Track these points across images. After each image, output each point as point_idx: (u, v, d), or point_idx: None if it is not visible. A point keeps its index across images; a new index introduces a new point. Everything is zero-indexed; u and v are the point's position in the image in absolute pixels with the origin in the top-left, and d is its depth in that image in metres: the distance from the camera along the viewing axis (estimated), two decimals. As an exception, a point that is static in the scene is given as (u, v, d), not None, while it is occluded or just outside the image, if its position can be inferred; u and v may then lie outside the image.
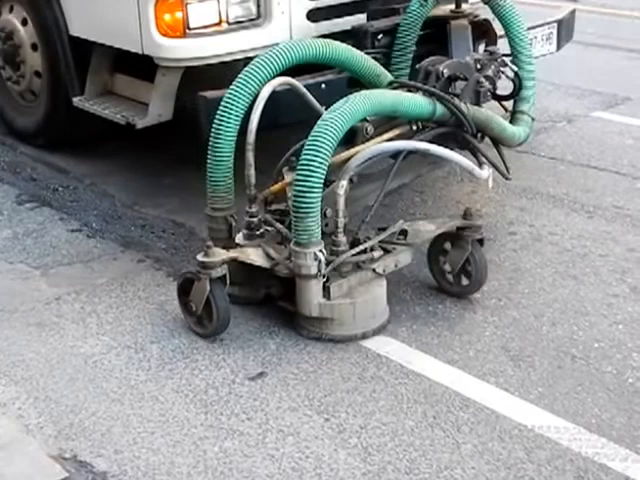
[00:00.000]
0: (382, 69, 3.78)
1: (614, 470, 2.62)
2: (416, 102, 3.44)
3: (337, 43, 3.60)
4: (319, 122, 3.14)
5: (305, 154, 3.11)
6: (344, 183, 3.21)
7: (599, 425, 2.82)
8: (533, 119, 4.09)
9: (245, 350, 3.23)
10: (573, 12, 5.06)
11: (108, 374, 3.10)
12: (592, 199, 4.44)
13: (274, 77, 3.39)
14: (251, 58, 3.83)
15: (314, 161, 3.08)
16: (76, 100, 4.48)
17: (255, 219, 3.45)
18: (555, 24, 4.79)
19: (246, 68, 3.39)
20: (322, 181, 3.11)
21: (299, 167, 3.12)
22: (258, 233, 3.45)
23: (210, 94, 3.62)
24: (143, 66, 4.11)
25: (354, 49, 3.68)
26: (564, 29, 4.87)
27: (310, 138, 3.12)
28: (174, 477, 2.61)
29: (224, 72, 3.88)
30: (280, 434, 2.79)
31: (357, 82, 3.83)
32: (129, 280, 3.72)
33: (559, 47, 4.88)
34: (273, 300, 3.43)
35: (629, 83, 6.25)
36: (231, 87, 3.37)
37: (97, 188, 4.59)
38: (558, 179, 4.69)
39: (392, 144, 3.42)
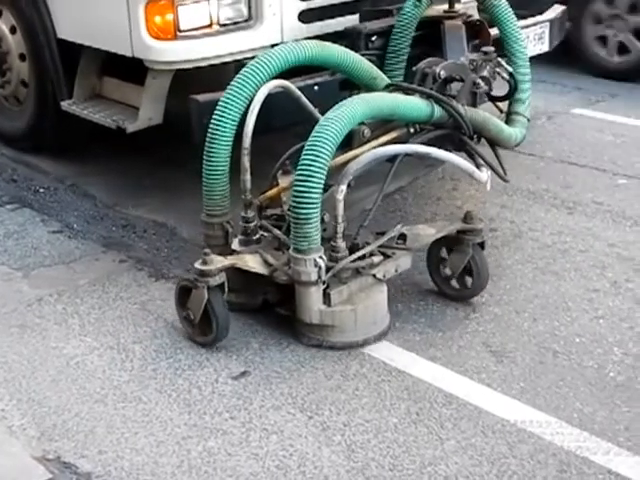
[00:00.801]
0: (378, 71, 3.73)
1: (596, 463, 2.64)
2: (414, 105, 3.40)
3: (333, 45, 3.56)
4: (317, 126, 3.08)
5: (304, 159, 3.05)
6: (343, 188, 3.14)
7: (581, 419, 2.84)
8: (529, 120, 4.04)
9: (228, 349, 3.23)
10: (564, 11, 5.03)
11: (91, 375, 3.09)
12: (572, 195, 4.47)
13: (270, 80, 3.34)
14: (242, 60, 3.82)
15: (313, 166, 3.02)
16: (65, 104, 4.41)
17: (251, 225, 3.40)
18: (547, 23, 4.77)
19: (241, 71, 3.34)
20: (322, 186, 3.06)
21: (298, 172, 3.06)
22: (254, 239, 3.40)
23: (202, 97, 3.57)
24: (132, 69, 4.05)
25: (350, 51, 3.64)
26: (556, 28, 4.85)
27: (309, 142, 3.06)
28: (158, 477, 2.60)
29: (214, 74, 3.85)
30: (264, 432, 2.79)
31: (350, 84, 3.79)
32: (111, 281, 3.71)
33: (551, 46, 4.85)
34: (270, 306, 3.39)
35: (609, 79, 6.30)
36: (227, 91, 3.32)
37: (78, 189, 4.58)
38: (538, 175, 4.72)
39: (392, 148, 3.36)
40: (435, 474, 2.61)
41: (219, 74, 3.84)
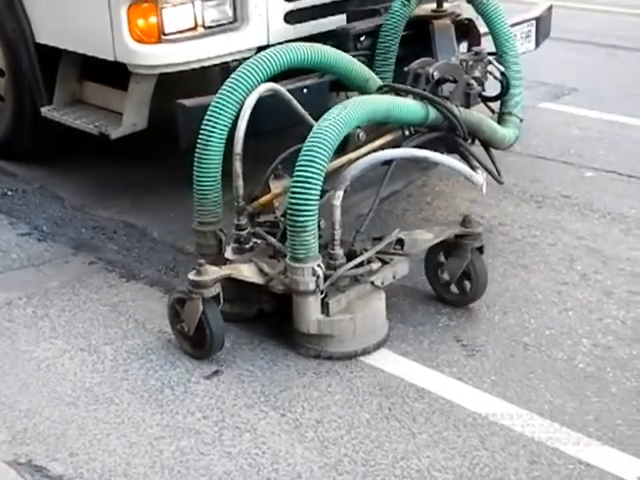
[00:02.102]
0: (370, 73, 3.67)
1: (566, 454, 2.67)
2: (409, 107, 3.33)
3: (325, 47, 3.49)
4: (313, 131, 3.01)
5: (300, 164, 2.97)
6: (340, 194, 3.07)
7: (551, 411, 2.87)
8: (521, 120, 4.01)
9: (200, 349, 3.23)
10: (550, 8, 4.95)
11: (62, 377, 3.07)
12: (540, 189, 4.50)
13: (261, 84, 3.27)
14: (228, 63, 3.77)
15: (310, 171, 2.94)
16: (45, 110, 4.29)
17: (244, 232, 3.31)
18: (534, 21, 4.71)
19: (233, 75, 3.26)
20: (319, 193, 2.98)
21: (294, 178, 2.98)
22: (248, 247, 3.32)
23: (189, 102, 3.50)
24: (113, 73, 3.97)
25: (342, 53, 3.57)
26: (542, 26, 4.80)
27: (305, 147, 2.98)
28: (130, 478, 2.60)
29: (199, 78, 3.78)
30: (237, 431, 2.79)
31: (338, 85, 3.77)
32: (81, 283, 3.69)
33: (538, 45, 4.80)
34: (265, 316, 3.33)
35: (575, 74, 6.36)
36: (218, 95, 3.23)
37: (46, 191, 4.55)
38: (507, 170, 4.72)
39: (390, 152, 3.29)
40: (407, 468, 2.62)
41: (204, 77, 3.78)
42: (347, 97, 4.03)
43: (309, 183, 2.95)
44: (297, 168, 2.98)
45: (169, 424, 2.83)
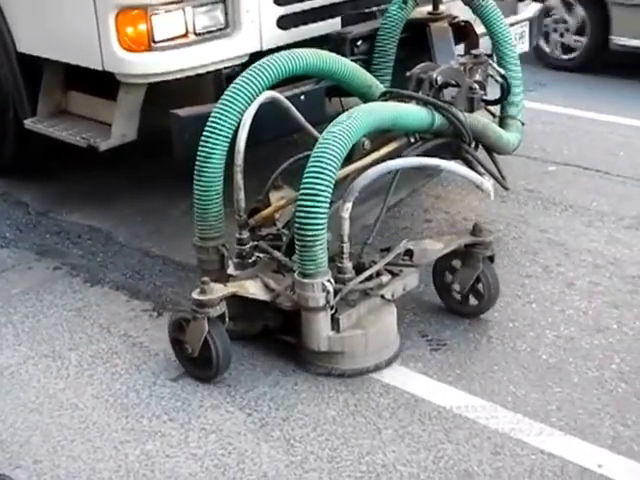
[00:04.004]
0: (373, 79, 3.58)
1: (529, 444, 2.70)
2: (415, 114, 3.22)
3: (327, 53, 3.39)
4: (320, 142, 2.89)
5: (308, 176, 2.84)
6: (349, 205, 2.94)
7: (514, 402, 2.90)
8: (523, 124, 3.95)
9: (166, 352, 3.21)
10: (541, 8, 4.91)
11: (26, 384, 3.05)
12: (505, 184, 4.53)
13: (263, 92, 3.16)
14: (221, 70, 3.67)
15: (319, 184, 2.82)
16: (28, 122, 4.14)
17: (246, 246, 3.19)
18: (527, 22, 4.66)
19: (233, 83, 3.13)
20: (328, 206, 2.85)
21: (302, 192, 2.85)
22: (250, 262, 3.19)
23: (183, 112, 3.41)
24: (99, 82, 3.84)
25: (344, 59, 3.47)
26: (535, 27, 4.75)
27: (313, 159, 2.86)
28: (95, 483, 2.60)
29: (190, 86, 3.67)
30: (202, 432, 2.79)
31: (334, 92, 3.72)
32: (45, 288, 3.67)
33: (531, 46, 4.75)
34: (271, 333, 3.21)
35: (539, 69, 6.41)
36: (218, 105, 3.10)
37: (10, 197, 4.52)
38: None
39: (401, 161, 3.16)
40: (373, 463, 2.64)
41: (196, 85, 3.68)
42: (341, 103, 4.01)
43: (318, 196, 2.83)
44: (305, 180, 2.85)
45: (134, 428, 2.82)
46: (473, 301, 3.34)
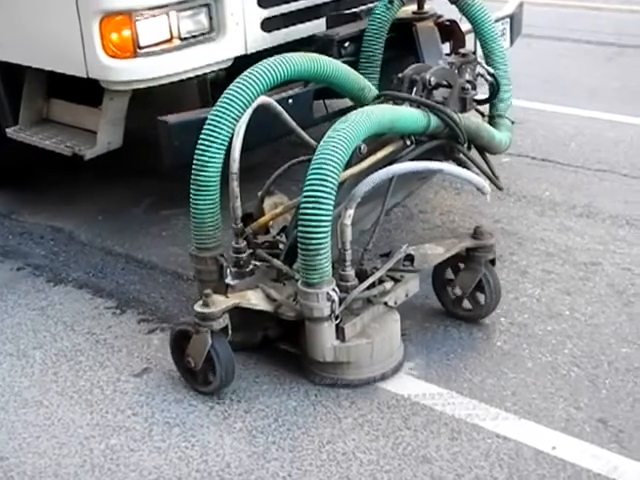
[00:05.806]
0: (366, 81, 3.55)
1: (485, 429, 2.78)
2: (412, 116, 3.18)
3: (320, 57, 3.34)
4: (320, 148, 2.83)
5: (310, 184, 2.78)
6: (351, 212, 2.88)
7: (471, 388, 2.98)
8: (512, 122, 3.93)
9: (129, 348, 3.27)
10: (521, 5, 4.90)
11: (-10, 384, 3.09)
12: (460, 176, 4.61)
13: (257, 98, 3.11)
14: (206, 75, 3.66)
15: (321, 192, 2.75)
16: (10, 131, 4.08)
17: (244, 255, 3.12)
18: (508, 19, 4.65)
19: (228, 90, 3.07)
20: (331, 213, 2.79)
21: (304, 199, 2.79)
22: (248, 270, 3.14)
23: (172, 118, 3.39)
24: (81, 89, 3.79)
25: (338, 62, 3.44)
26: (515, 24, 4.75)
27: (314, 166, 2.80)
28: (61, 478, 2.63)
29: (174, 91, 3.66)
30: (166, 426, 2.85)
31: (322, 95, 3.72)
32: (9, 289, 3.70)
33: (512, 43, 4.76)
34: (271, 343, 3.18)
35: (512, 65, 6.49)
36: (214, 112, 3.04)
37: (-29, 200, 4.53)
38: (428, 159, 4.85)
39: (403, 166, 3.09)
40: (333, 452, 2.71)
41: (181, 90, 3.66)
42: (325, 105, 4.03)
43: (321, 203, 2.76)
44: (307, 187, 2.79)
45: (99, 423, 2.87)
46: (475, 304, 3.34)
